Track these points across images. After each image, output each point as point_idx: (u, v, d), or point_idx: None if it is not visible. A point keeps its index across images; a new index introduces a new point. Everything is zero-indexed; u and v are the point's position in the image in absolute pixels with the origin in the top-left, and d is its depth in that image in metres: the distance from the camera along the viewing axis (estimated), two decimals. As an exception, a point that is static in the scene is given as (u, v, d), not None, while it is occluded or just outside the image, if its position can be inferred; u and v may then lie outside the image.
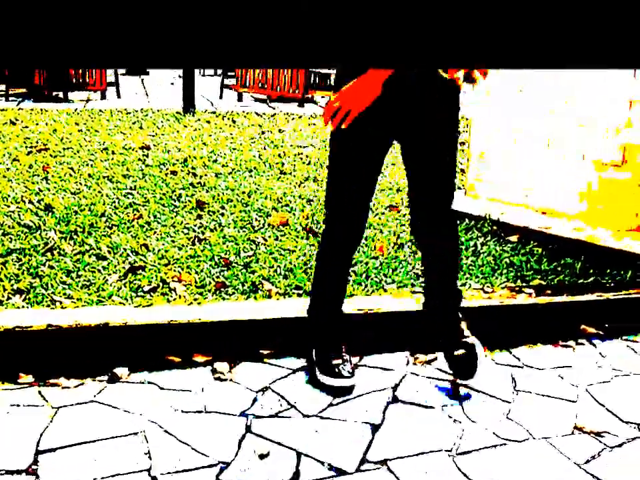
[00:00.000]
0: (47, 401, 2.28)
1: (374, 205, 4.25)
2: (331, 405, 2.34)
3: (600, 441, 2.20)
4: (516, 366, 2.67)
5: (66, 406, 2.26)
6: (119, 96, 9.16)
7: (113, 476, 1.93)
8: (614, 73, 3.63)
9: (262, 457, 2.05)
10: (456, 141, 2.35)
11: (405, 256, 3.38)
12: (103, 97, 9.01)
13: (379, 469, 2.03)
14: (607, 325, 2.97)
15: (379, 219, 3.96)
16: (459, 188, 4.68)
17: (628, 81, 3.60)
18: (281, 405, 2.32)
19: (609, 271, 3.29)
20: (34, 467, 1.96)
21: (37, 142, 5.61)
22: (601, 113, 3.69)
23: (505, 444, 2.17)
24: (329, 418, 2.27)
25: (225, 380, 2.45)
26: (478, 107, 4.26)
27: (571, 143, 3.84)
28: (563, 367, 2.67)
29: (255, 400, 2.34)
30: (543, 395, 2.46)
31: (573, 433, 2.24)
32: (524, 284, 3.13)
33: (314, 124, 7.19)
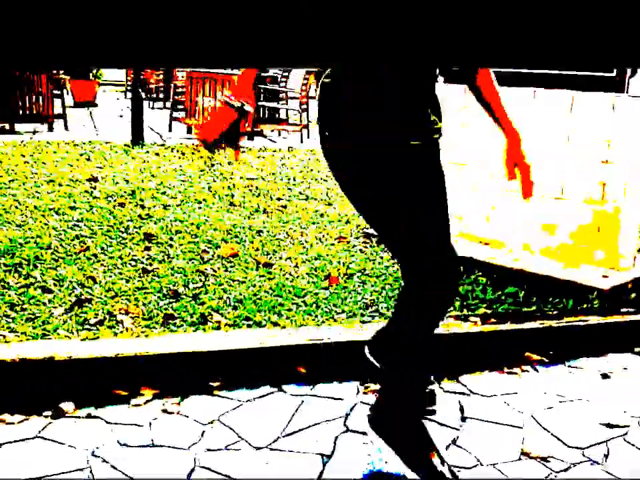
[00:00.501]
0: (-12, 439, 2.19)
1: (323, 236, 4.27)
2: (280, 436, 2.31)
3: (546, 466, 2.22)
4: (463, 393, 2.69)
5: (10, 442, 2.18)
6: (66, 128, 9.04)
7: (57, 514, 1.86)
8: (550, 109, 3.76)
9: (211, 490, 2.01)
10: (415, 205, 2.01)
11: (354, 286, 3.40)
12: (51, 128, 8.87)
13: (329, 499, 2.00)
14: (550, 352, 3.03)
15: (329, 249, 3.98)
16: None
17: (564, 115, 3.73)
18: (230, 438, 2.28)
19: (551, 299, 3.36)
20: (-27, 507, 1.88)
21: None
22: (540, 147, 3.81)
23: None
24: (279, 449, 2.24)
25: (173, 413, 2.40)
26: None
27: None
28: (509, 393, 2.71)
29: (203, 433, 2.30)
30: (490, 422, 2.49)
31: (520, 459, 2.26)
32: (469, 312, 3.17)
33: (263, 157, 7.22)
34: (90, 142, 7.54)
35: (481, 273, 3.67)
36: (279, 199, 5.22)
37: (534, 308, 3.26)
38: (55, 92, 9.03)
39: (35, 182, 5.25)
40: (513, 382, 2.81)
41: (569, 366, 2.98)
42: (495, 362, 2.93)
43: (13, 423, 2.27)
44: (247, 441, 2.27)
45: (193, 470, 2.10)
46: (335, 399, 2.58)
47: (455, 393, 2.69)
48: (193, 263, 3.61)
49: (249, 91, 2.16)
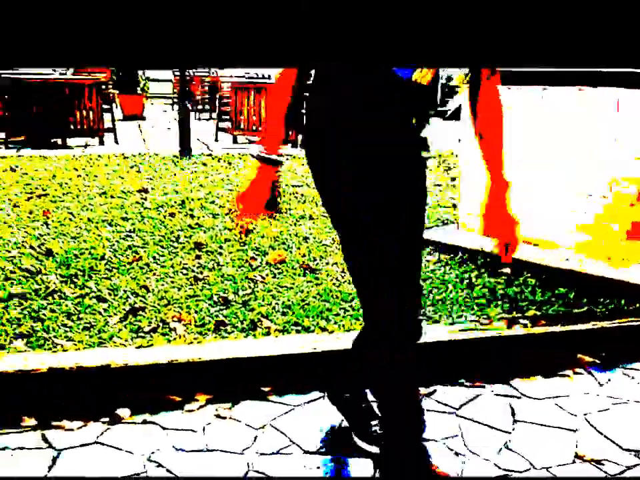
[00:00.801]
0: (50, 444, 2.26)
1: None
2: (331, 441, 2.32)
3: (600, 469, 2.18)
4: (514, 396, 2.66)
5: (69, 448, 2.24)
6: (116, 141, 9.24)
7: (116, 518, 1.91)
8: (603, 111, 3.69)
9: (265, 494, 2.03)
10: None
11: (401, 290, 3.39)
12: (101, 142, 9.08)
13: (382, 503, 2.00)
14: (603, 354, 2.97)
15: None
16: (452, 222, 4.71)
17: (614, 118, 3.66)
18: (282, 442, 2.30)
19: (601, 300, 3.30)
20: (37, 510, 1.93)
21: (37, 188, 5.63)
22: (592, 148, 3.74)
23: (506, 475, 2.15)
24: (330, 454, 2.25)
25: (226, 418, 2.43)
26: (467, 140, 4.31)
27: (563, 176, 3.88)
28: (561, 396, 2.66)
29: (256, 437, 2.32)
30: (542, 425, 2.45)
31: (573, 462, 2.22)
32: (519, 315, 3.13)
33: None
34: (139, 154, 7.69)
35: (530, 274, 3.62)
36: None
37: (585, 309, 3.20)
38: (105, 106, 9.24)
39: (88, 194, 5.38)
40: (565, 385, 2.76)
41: (623, 368, 2.91)
42: (546, 364, 2.88)
43: (72, 429, 2.34)
44: (298, 445, 2.28)
45: (246, 474, 2.12)
46: (385, 403, 2.57)
47: (506, 396, 2.66)
48: (242, 270, 3.65)
49: (280, 125, 1.83)
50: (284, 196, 5.42)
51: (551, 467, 2.18)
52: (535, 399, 2.64)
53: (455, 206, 5.19)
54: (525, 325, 3.00)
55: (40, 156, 7.47)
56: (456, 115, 14.12)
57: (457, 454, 2.26)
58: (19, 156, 7.51)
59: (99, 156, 7.57)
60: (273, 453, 2.23)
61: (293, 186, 5.96)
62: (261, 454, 2.22)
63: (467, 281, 3.56)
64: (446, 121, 13.90)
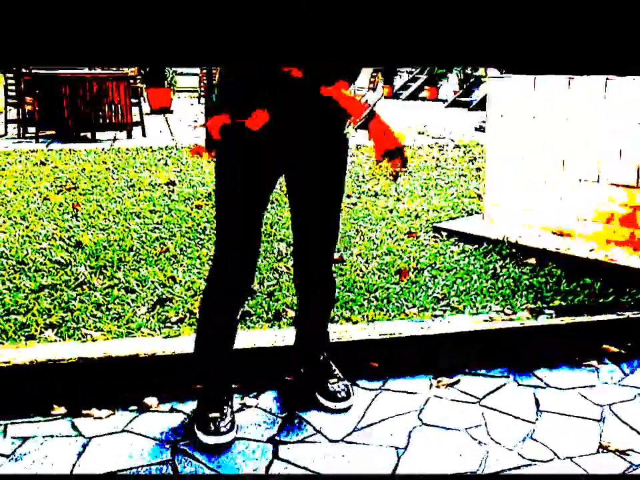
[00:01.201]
0: (79, 432, 2.29)
1: (393, 231, 4.25)
2: (355, 429, 2.33)
3: (625, 459, 2.16)
4: (539, 387, 2.64)
5: (98, 436, 2.27)
6: (144, 134, 9.30)
7: (144, 504, 1.94)
8: (628, 98, 3.63)
9: (289, 482, 2.04)
10: (343, 184, 2.24)
11: (424, 280, 3.38)
12: (129, 135, 9.16)
13: (405, 491, 2.00)
14: (628, 344, 2.93)
15: (398, 245, 3.96)
16: (477, 212, 4.67)
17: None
18: (307, 431, 2.31)
19: (628, 290, 3.25)
20: (68, 496, 1.97)
21: (67, 181, 5.70)
22: (614, 136, 3.69)
23: (530, 464, 2.14)
24: (354, 442, 2.25)
25: (252, 407, 2.44)
26: (492, 132, 4.27)
27: (586, 166, 3.83)
28: (586, 386, 2.64)
29: (281, 426, 2.34)
30: (567, 415, 2.43)
31: (598, 452, 2.20)
32: (544, 305, 3.11)
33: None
34: (167, 147, 7.75)
35: (555, 265, 3.59)
36: (348, 197, 5.23)
37: (611, 299, 3.16)
38: (133, 100, 9.32)
39: (117, 187, 5.44)
40: (590, 375, 2.74)
41: (649, 358, 2.87)
42: (570, 355, 2.86)
43: (101, 418, 2.37)
44: (323, 434, 2.30)
45: (271, 462, 2.14)
46: (408, 392, 2.57)
47: (530, 386, 2.64)
48: (267, 261, 3.67)
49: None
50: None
51: (575, 457, 2.17)
52: (559, 389, 2.62)
53: (479, 196, 5.16)
54: (550, 315, 2.97)
55: (69, 150, 7.56)
56: (481, 105, 13.93)
57: (480, 443, 2.25)
58: (49, 150, 7.61)
59: (127, 149, 7.64)
60: (298, 442, 2.24)
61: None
62: (287, 442, 2.23)
63: (492, 271, 3.53)
64: (471, 111, 13.77)
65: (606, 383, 2.66)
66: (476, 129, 10.44)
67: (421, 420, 2.39)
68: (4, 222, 4.36)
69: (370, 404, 2.49)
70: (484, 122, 10.51)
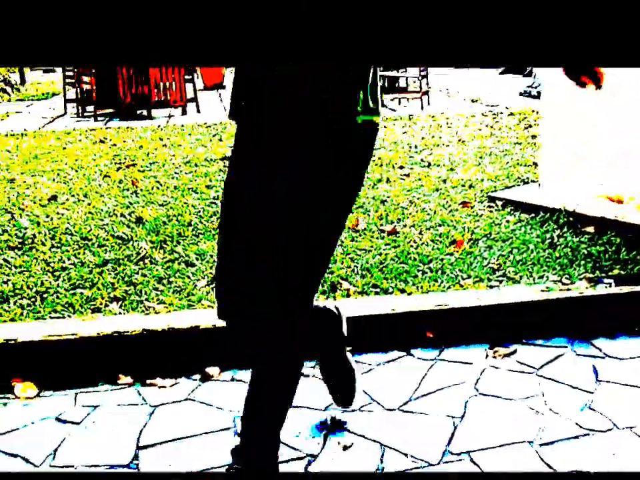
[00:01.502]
0: (145, 400, 2.38)
1: (447, 202, 4.22)
2: (411, 399, 2.34)
3: (687, 430, 2.12)
4: (597, 356, 2.60)
5: (163, 404, 2.35)
6: (198, 111, 9.39)
7: (207, 469, 2.00)
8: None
9: (346, 448, 2.08)
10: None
11: (479, 251, 3.35)
12: (184, 112, 9.26)
13: (461, 460, 2.02)
14: (691, 313, 2.85)
15: (452, 215, 3.93)
16: (533, 181, 4.58)
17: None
18: (363, 400, 2.34)
19: (691, 257, 3.16)
20: (135, 461, 2.05)
21: (125, 158, 5.83)
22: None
23: (588, 434, 2.12)
24: (410, 411, 2.27)
25: (309, 376, 2.49)
26: (547, 97, 4.17)
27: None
28: (646, 356, 2.59)
29: (338, 395, 2.37)
30: (626, 385, 2.39)
31: (658, 422, 2.17)
32: (603, 274, 3.04)
33: (384, 126, 7.19)
34: (221, 123, 7.81)
35: (613, 233, 3.50)
36: (401, 168, 5.20)
37: (672, 268, 3.07)
38: (186, 77, 9.40)
39: (174, 163, 5.53)
40: (650, 344, 2.68)
41: None
42: (630, 324, 2.80)
43: (165, 387, 2.45)
44: (379, 403, 2.32)
45: (330, 430, 2.18)
46: (464, 363, 2.57)
47: (588, 356, 2.61)
48: (321, 233, 3.69)
49: None
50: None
51: (634, 427, 2.14)
52: (618, 358, 2.58)
53: (535, 165, 5.05)
54: (609, 285, 2.91)
55: (127, 127, 7.70)
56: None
57: (537, 412, 2.24)
58: (107, 128, 7.77)
59: (182, 126, 7.73)
60: (355, 410, 2.27)
61: (370, 149, 5.93)
62: (343, 410, 2.27)
63: (549, 240, 3.48)
64: (526, 77, 13.42)
65: (667, 353, 2.61)
66: (520, 94, 10.19)
67: (477, 390, 2.39)
68: (67, 199, 4.49)
69: (426, 374, 2.50)
70: (529, 86, 10.29)
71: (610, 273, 3.05)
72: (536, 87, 9.71)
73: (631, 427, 2.14)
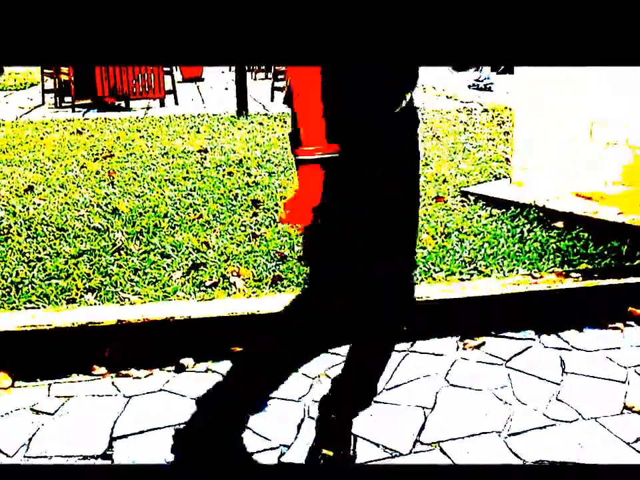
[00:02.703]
0: (119, 391, 2.36)
1: (421, 196, 4.22)
2: (384, 389, 2.35)
3: (650, 420, 2.15)
4: (564, 349, 2.63)
5: (137, 395, 2.33)
6: (176, 103, 9.30)
7: (182, 460, 1.99)
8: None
9: (320, 439, 2.07)
10: None
11: (452, 245, 3.36)
12: (162, 104, 9.16)
13: (432, 450, 2.03)
14: (655, 307, 2.90)
15: (426, 209, 3.94)
16: (504, 177, 4.61)
17: None
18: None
19: (656, 253, 3.20)
20: (109, 452, 2.03)
21: (102, 149, 5.75)
22: (643, 98, 3.59)
23: (554, 424, 2.14)
24: (383, 402, 2.28)
25: (284, 368, 2.47)
26: (521, 95, 4.19)
27: (614, 129, 3.75)
28: (612, 348, 2.62)
29: (311, 386, 2.37)
30: (592, 377, 2.42)
31: (622, 413, 2.20)
32: (571, 268, 3.07)
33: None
34: (199, 115, 7.75)
35: (582, 228, 3.54)
36: (377, 162, 5.20)
37: (637, 262, 3.11)
38: (165, 69, 9.30)
39: (151, 155, 5.47)
40: (616, 337, 2.72)
41: (675, 320, 2.84)
42: (597, 317, 2.84)
43: (140, 378, 2.43)
44: (352, 394, 2.32)
45: (302, 420, 2.18)
46: (435, 354, 2.59)
47: (556, 348, 2.63)
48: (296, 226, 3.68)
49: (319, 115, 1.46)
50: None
51: (599, 418, 2.17)
52: (585, 351, 2.61)
53: (507, 160, 5.08)
54: (577, 278, 2.94)
55: (105, 119, 7.60)
56: (509, 68, 13.68)
57: (505, 403, 2.26)
58: (85, 119, 7.67)
59: (161, 117, 7.65)
60: (328, 401, 2.27)
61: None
62: (316, 401, 2.26)
63: (519, 235, 3.50)
64: (499, 74, 13.50)
65: (632, 345, 2.64)
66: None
67: (447, 381, 2.41)
68: (44, 190, 4.43)
69: (398, 365, 2.51)
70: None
71: (578, 267, 3.08)
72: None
73: (596, 418, 2.17)
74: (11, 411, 2.24)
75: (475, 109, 8.20)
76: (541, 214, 3.77)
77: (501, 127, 6.82)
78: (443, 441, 2.06)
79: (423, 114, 7.82)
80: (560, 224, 3.64)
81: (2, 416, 2.22)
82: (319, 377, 2.43)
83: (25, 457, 2.01)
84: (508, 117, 7.27)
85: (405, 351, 2.61)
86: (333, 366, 2.49)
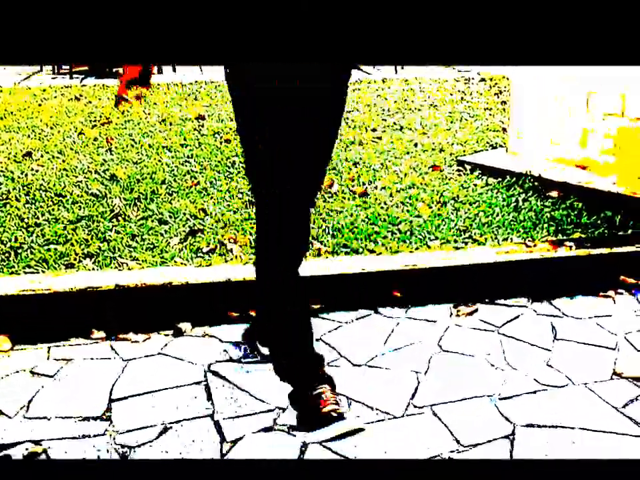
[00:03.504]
0: (117, 354, 2.37)
1: (417, 165, 4.21)
2: (378, 355, 2.37)
3: (638, 386, 2.17)
4: (556, 316, 2.64)
5: (135, 358, 2.35)
6: (174, 70, 9.21)
7: (178, 421, 2.01)
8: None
9: (315, 403, 2.09)
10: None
11: (447, 213, 3.36)
12: (160, 71, 9.06)
13: (424, 413, 2.05)
14: (646, 275, 2.91)
15: (422, 178, 3.93)
16: (501, 146, 4.59)
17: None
18: (332, 355, 2.35)
19: (648, 222, 3.20)
20: (107, 413, 2.05)
21: (100, 116, 5.70)
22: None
23: (545, 389, 2.17)
24: (377, 367, 2.30)
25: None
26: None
27: (609, 100, 3.72)
28: (603, 316, 2.64)
29: (307, 351, 2.38)
30: (583, 343, 2.44)
31: (611, 379, 2.22)
32: (564, 237, 3.08)
33: (358, 89, 7.12)
34: (196, 82, 7.67)
35: (577, 198, 3.53)
36: (373, 130, 5.17)
37: (630, 232, 3.12)
38: (163, 35, 9.17)
39: (148, 122, 5.43)
40: (607, 305, 2.73)
41: (666, 289, 2.85)
42: (589, 286, 2.85)
43: (138, 342, 2.44)
44: (346, 359, 2.34)
45: (297, 384, 2.19)
46: (429, 321, 2.60)
47: (547, 315, 2.65)
48: (293, 194, 3.66)
49: None
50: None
51: (588, 383, 2.19)
52: (576, 318, 2.62)
53: (504, 130, 5.05)
54: (570, 247, 2.95)
55: (102, 85, 7.52)
56: None
57: (497, 369, 2.28)
58: (83, 85, 7.58)
59: (158, 84, 7.57)
60: (323, 366, 2.29)
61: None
62: (312, 366, 2.28)
63: (514, 204, 3.49)
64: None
65: (622, 313, 2.66)
66: None
67: (440, 347, 2.42)
68: (42, 156, 4.40)
69: (392, 331, 2.52)
70: None
71: (571, 237, 3.08)
72: None
73: (586, 383, 2.19)
74: (11, 373, 2.26)
75: (473, 78, 8.13)
76: (536, 183, 3.76)
77: (498, 97, 6.76)
78: (435, 405, 2.09)
79: (420, 83, 7.76)
80: (555, 193, 3.63)
81: (2, 378, 2.23)
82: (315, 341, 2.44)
83: (24, 417, 2.03)
84: (505, 87, 7.21)
85: (399, 317, 2.62)
86: (327, 332, 2.51)
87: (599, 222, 3.24)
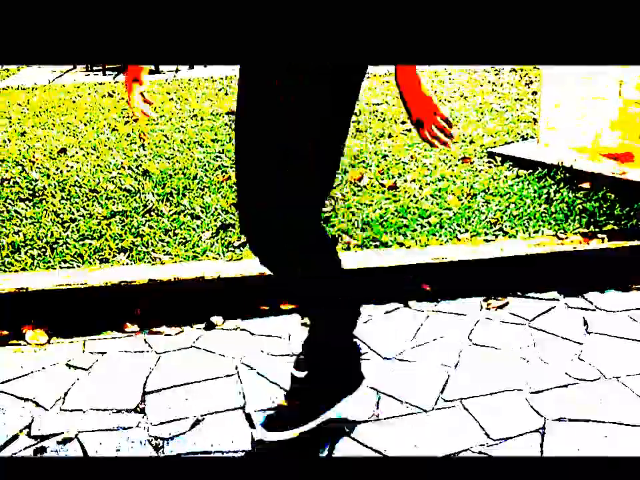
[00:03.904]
0: (151, 347, 2.40)
1: (447, 157, 4.17)
2: (407, 348, 2.36)
3: (672, 380, 2.13)
4: (588, 309, 2.60)
5: (168, 352, 2.38)
6: (205, 65, 9.26)
7: (211, 413, 2.03)
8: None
9: (345, 396, 2.10)
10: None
11: (477, 206, 3.33)
12: (191, 66, 9.12)
13: (454, 407, 2.04)
14: (681, 268, 2.84)
15: (452, 170, 3.89)
16: (532, 137, 4.53)
17: None
18: (361, 349, 2.35)
19: (684, 214, 3.13)
20: (141, 405, 2.08)
21: (133, 112, 5.77)
22: None
23: (576, 383, 2.14)
24: (406, 360, 2.29)
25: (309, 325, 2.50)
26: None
27: (645, 88, 3.64)
28: (635, 309, 2.59)
29: (337, 344, 2.38)
30: (615, 337, 2.40)
31: (645, 373, 2.18)
32: (597, 229, 3.03)
33: (387, 81, 7.08)
34: (227, 77, 7.70)
35: (609, 189, 3.47)
36: (403, 123, 5.13)
37: (665, 223, 3.05)
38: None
39: (180, 117, 5.47)
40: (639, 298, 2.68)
41: (702, 281, 2.79)
42: (621, 278, 2.80)
43: (171, 335, 2.47)
44: (375, 352, 2.34)
45: (327, 377, 2.19)
46: (459, 314, 2.58)
47: (579, 308, 2.61)
48: (323, 187, 3.66)
49: None
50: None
51: (620, 377, 2.15)
52: (608, 311, 2.58)
53: (535, 121, 4.98)
54: (602, 239, 2.90)
55: (135, 81, 7.59)
56: None
57: (528, 362, 2.26)
58: (115, 82, 7.67)
59: (189, 80, 7.62)
60: (353, 359, 2.29)
61: (373, 104, 5.85)
62: (341, 359, 2.28)
63: (545, 196, 3.45)
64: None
65: (656, 306, 2.61)
66: None
67: (470, 340, 2.41)
68: (76, 152, 4.46)
69: (422, 324, 2.51)
70: None
71: (604, 228, 3.03)
72: None
73: (618, 377, 2.16)
74: (48, 366, 2.30)
75: (503, 68, 8.02)
76: (568, 174, 3.70)
77: (529, 87, 6.67)
78: (464, 398, 2.07)
79: (450, 73, 7.68)
80: (587, 185, 3.57)
81: (39, 370, 2.28)
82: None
83: (61, 409, 2.07)
84: (536, 77, 7.10)
85: (429, 310, 2.61)
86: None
87: (632, 213, 3.18)
